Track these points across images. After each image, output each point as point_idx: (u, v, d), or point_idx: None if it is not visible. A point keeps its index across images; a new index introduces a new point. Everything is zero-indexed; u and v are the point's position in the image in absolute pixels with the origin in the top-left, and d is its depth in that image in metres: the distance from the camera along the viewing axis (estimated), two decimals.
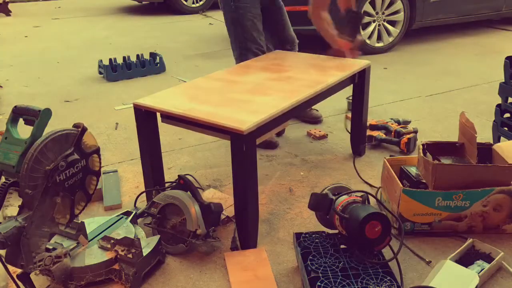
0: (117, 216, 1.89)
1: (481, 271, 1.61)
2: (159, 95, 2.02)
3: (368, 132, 2.74)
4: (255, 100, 1.88)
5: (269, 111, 1.76)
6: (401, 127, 2.70)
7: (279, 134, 2.88)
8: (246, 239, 1.81)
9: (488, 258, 1.70)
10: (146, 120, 1.94)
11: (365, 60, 2.43)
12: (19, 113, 1.56)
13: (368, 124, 2.90)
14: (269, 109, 1.78)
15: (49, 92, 3.90)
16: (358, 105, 2.50)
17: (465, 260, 1.69)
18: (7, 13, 8.05)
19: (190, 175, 2.31)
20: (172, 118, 1.86)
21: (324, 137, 2.83)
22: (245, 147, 1.65)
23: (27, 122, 1.55)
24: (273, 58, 2.54)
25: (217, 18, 7.03)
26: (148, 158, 2.03)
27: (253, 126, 1.66)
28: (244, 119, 1.68)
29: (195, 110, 1.79)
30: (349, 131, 2.59)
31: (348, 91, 3.12)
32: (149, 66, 4.30)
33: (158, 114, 1.93)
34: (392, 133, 2.70)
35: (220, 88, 2.07)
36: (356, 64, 2.37)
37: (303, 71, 2.26)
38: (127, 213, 1.90)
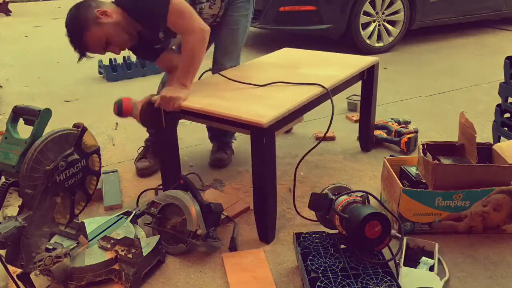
0: (117, 216, 1.89)
1: (430, 267, 1.63)
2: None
3: None
4: (272, 95, 1.90)
5: (287, 105, 1.79)
6: (401, 127, 2.71)
7: (288, 131, 2.89)
8: (265, 231, 1.84)
9: (425, 253, 1.73)
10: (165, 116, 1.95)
11: (374, 57, 2.48)
12: (19, 113, 1.56)
13: None
14: (288, 103, 1.81)
15: (49, 92, 3.90)
16: (366, 101, 2.53)
17: (409, 261, 1.69)
18: (7, 13, 8.05)
19: (195, 173, 2.31)
20: (189, 114, 1.87)
21: (332, 138, 2.81)
22: (265, 140, 1.67)
23: (27, 122, 1.55)
24: (281, 55, 2.57)
25: None
26: (167, 155, 2.09)
27: (272, 120, 1.69)
28: (264, 113, 1.70)
29: (214, 105, 1.80)
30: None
31: (349, 91, 3.11)
32: (149, 66, 4.30)
33: None
34: (393, 133, 2.70)
35: (234, 83, 2.06)
36: (365, 60, 2.41)
37: (315, 67, 2.29)
38: (127, 213, 1.90)
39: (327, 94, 1.97)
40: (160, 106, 1.88)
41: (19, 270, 1.56)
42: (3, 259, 1.50)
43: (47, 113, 1.54)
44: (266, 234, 1.85)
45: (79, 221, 1.66)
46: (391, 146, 2.67)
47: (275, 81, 2.03)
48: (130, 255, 1.60)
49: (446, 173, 1.79)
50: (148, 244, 1.69)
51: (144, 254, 1.63)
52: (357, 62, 2.37)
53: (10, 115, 1.57)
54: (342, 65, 2.32)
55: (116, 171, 2.42)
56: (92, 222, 1.83)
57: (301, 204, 2.12)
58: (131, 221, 1.84)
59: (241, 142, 2.73)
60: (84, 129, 1.60)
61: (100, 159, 1.71)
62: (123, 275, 1.60)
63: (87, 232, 1.70)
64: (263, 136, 1.67)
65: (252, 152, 1.74)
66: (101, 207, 2.14)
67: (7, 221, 1.48)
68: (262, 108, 1.76)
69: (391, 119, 2.90)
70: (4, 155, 1.50)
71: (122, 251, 1.62)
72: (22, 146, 1.49)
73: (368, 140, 2.62)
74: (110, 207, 2.13)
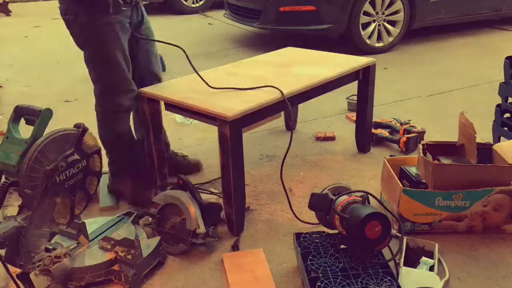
0: (118, 216, 1.88)
1: (430, 267, 1.64)
2: (163, 85, 2.13)
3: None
4: (250, 92, 1.95)
5: (257, 101, 1.84)
6: (410, 126, 2.70)
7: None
8: (231, 222, 1.89)
9: (425, 253, 1.73)
10: (150, 108, 2.06)
11: (371, 58, 2.46)
12: (20, 113, 1.57)
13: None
14: (259, 99, 1.86)
15: (49, 92, 3.90)
16: (362, 102, 2.52)
17: (409, 261, 1.69)
18: (7, 13, 8.04)
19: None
20: (171, 106, 1.98)
21: (332, 138, 2.80)
22: (230, 132, 1.74)
23: (28, 122, 1.55)
24: (281, 54, 2.60)
25: (217, 18, 7.02)
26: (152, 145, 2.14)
27: (238, 114, 1.75)
28: (233, 107, 1.77)
29: (191, 99, 1.89)
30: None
31: (349, 91, 3.11)
32: None
33: (162, 104, 2.05)
34: (401, 131, 2.69)
35: (221, 79, 2.11)
36: (360, 60, 2.40)
37: (307, 66, 2.31)
38: (129, 214, 1.90)
39: (309, 92, 2.05)
40: None
41: (19, 270, 1.56)
42: (3, 259, 1.50)
43: (48, 113, 1.55)
44: (232, 225, 1.89)
45: (80, 221, 1.66)
46: (391, 146, 2.67)
47: (228, 87, 1.98)
48: (129, 256, 1.60)
49: (446, 173, 1.79)
50: (148, 245, 1.69)
51: (144, 256, 1.63)
52: (352, 63, 2.35)
53: (11, 114, 1.57)
54: (336, 64, 2.31)
55: None
56: (94, 222, 1.83)
57: (301, 204, 2.12)
58: (132, 221, 1.84)
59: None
60: (85, 130, 1.60)
61: (101, 159, 1.71)
62: (122, 276, 1.60)
63: (88, 232, 1.70)
64: (227, 129, 1.74)
65: (219, 144, 1.81)
66: (98, 208, 2.13)
67: (7, 221, 1.48)
68: (234, 103, 1.82)
69: (394, 119, 2.90)
70: (5, 155, 1.50)
71: (122, 252, 1.62)
72: (23, 146, 1.49)
73: (364, 142, 2.60)
74: (106, 208, 2.12)
